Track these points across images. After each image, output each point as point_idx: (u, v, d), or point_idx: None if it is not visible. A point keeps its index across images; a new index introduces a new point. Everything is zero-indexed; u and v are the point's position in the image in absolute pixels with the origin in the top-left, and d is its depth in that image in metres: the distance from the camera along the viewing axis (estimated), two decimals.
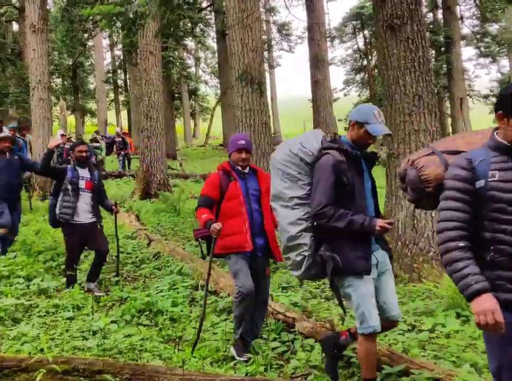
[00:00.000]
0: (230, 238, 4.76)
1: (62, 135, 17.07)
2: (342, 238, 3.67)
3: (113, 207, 7.30)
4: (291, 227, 3.76)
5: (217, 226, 4.57)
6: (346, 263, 3.61)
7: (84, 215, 6.93)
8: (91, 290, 6.80)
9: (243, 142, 4.95)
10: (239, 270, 4.79)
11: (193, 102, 47.07)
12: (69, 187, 6.87)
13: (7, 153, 8.43)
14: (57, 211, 6.87)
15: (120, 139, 22.51)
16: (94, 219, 7.06)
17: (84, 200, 6.96)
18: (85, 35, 33.06)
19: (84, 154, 7.18)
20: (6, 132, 11.16)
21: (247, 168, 5.01)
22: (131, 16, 10.16)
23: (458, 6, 25.63)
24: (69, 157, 11.79)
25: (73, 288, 6.60)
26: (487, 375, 4.10)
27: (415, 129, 7.16)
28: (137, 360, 4.44)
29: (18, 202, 8.74)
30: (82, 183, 6.98)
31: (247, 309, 4.76)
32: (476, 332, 5.00)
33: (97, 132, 21.80)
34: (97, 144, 19.53)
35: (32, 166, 8.81)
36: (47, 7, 20.56)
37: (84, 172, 7.08)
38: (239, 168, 4.93)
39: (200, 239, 5.16)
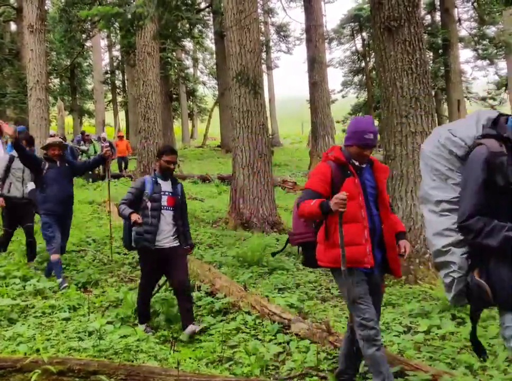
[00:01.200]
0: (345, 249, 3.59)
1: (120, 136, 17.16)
2: (501, 260, 2.78)
3: (189, 247, 5.95)
4: (437, 239, 3.00)
5: (342, 195, 3.42)
6: (504, 295, 2.76)
7: (165, 238, 5.56)
8: (193, 331, 5.34)
9: (371, 136, 3.81)
10: (361, 297, 3.73)
11: (191, 103, 47.01)
12: (149, 204, 5.51)
13: (58, 162, 7.40)
14: (133, 233, 5.57)
15: (107, 144, 20.98)
16: (176, 243, 5.66)
17: (166, 220, 5.61)
18: (84, 36, 33.02)
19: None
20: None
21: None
22: (129, 17, 10.17)
23: (456, 8, 25.65)
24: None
25: (148, 327, 5.61)
26: (483, 377, 4.12)
27: (412, 131, 7.17)
28: (132, 361, 4.44)
29: (69, 217, 7.66)
30: (164, 200, 5.62)
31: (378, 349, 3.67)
32: None
33: (83, 133, 20.73)
34: (84, 147, 18.89)
35: (85, 167, 8.28)
36: (46, 7, 20.58)
37: (167, 186, 5.69)
38: (356, 162, 3.89)
39: (299, 245, 4.17)
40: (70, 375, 3.51)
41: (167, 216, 5.58)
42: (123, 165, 21.56)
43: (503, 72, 30.26)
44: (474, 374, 4.18)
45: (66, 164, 7.55)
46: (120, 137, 22.28)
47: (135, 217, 5.26)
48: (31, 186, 7.95)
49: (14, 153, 7.88)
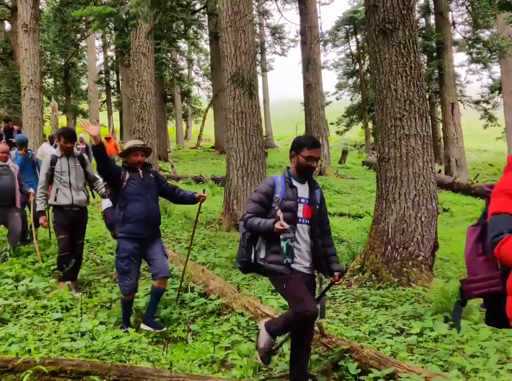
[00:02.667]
0: None
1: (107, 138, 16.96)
2: None
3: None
4: None
5: None
6: None
7: (302, 261, 4.13)
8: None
9: None
10: None
11: (186, 104, 47.00)
12: (281, 215, 3.93)
13: (140, 171, 5.77)
14: (261, 256, 4.08)
15: (84, 146, 19.34)
16: (309, 269, 4.20)
17: (303, 238, 4.13)
18: (78, 36, 33.00)
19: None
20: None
21: None
22: (123, 17, 10.14)
23: (450, 12, 25.79)
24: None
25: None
26: (475, 379, 4.13)
27: (406, 134, 7.19)
28: (125, 362, 4.42)
29: (158, 237, 5.97)
30: (300, 209, 4.13)
31: None
32: (464, 336, 5.03)
33: (51, 137, 19.21)
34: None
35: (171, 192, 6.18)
36: (40, 6, 20.56)
37: (303, 191, 4.18)
38: None
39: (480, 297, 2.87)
40: (62, 375, 3.50)
41: (303, 232, 4.13)
42: None
43: (497, 76, 30.49)
44: (467, 377, 4.19)
45: (151, 175, 5.93)
46: (107, 139, 21.29)
47: (279, 225, 3.83)
48: (106, 203, 7.05)
49: (56, 152, 7.00)
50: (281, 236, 3.92)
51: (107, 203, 7.13)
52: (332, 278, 4.19)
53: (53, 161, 6.93)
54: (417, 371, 4.04)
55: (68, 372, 3.50)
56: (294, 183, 4.13)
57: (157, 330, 5.52)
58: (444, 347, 4.83)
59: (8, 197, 8.22)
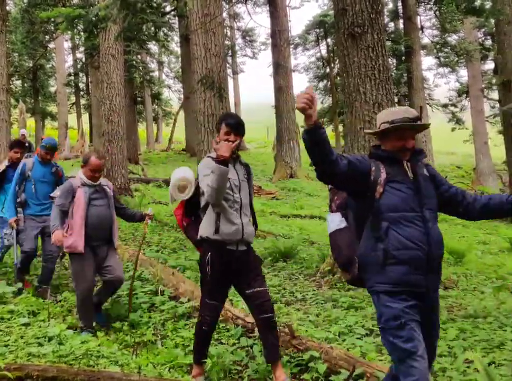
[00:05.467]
0: None
1: (23, 135, 16.47)
2: None
3: None
4: None
5: None
6: None
7: None
8: None
9: None
10: None
11: (156, 106, 46.77)
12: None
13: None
14: None
15: (26, 144, 18.22)
16: None
17: None
18: (47, 37, 32.63)
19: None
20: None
21: None
22: (92, 19, 10.03)
23: (418, 16, 26.10)
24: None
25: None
26: (442, 378, 4.18)
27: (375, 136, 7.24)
28: (93, 366, 4.36)
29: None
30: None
31: None
32: None
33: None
34: None
35: None
36: (7, 7, 20.21)
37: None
38: None
39: None
40: None
41: None
42: None
43: (464, 79, 30.99)
44: (434, 376, 4.23)
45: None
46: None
47: None
48: None
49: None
50: None
51: None
52: None
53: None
54: (386, 371, 4.07)
55: (34, 377, 3.44)
56: None
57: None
58: None
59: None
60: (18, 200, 6.82)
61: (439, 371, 4.33)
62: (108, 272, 5.75)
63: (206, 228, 4.20)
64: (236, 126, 4.25)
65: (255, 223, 4.52)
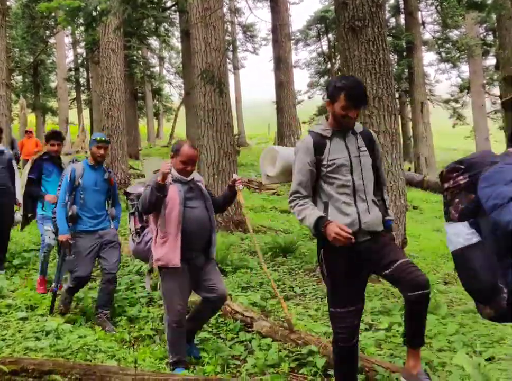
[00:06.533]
0: None
1: (28, 132, 16.26)
2: None
3: None
4: None
5: None
6: None
7: None
8: None
9: None
10: None
11: (157, 102, 46.71)
12: None
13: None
14: None
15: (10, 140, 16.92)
16: None
17: None
18: (47, 32, 32.54)
19: None
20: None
21: None
22: (93, 12, 9.97)
23: (420, 12, 26.07)
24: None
25: None
26: (442, 373, 4.16)
27: (375, 131, 7.19)
28: (90, 360, 4.34)
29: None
30: None
31: None
32: (432, 330, 5.07)
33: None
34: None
35: None
36: (8, 3, 20.17)
37: None
38: None
39: None
40: (23, 375, 3.41)
41: None
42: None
43: (465, 75, 30.92)
44: (434, 371, 4.21)
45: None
46: (29, 133, 16.30)
47: None
48: None
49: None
50: None
51: None
52: None
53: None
54: (385, 366, 4.06)
55: (30, 371, 3.41)
56: None
57: None
58: None
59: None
60: (70, 213, 5.72)
61: (438, 366, 4.31)
62: (210, 290, 4.67)
63: None
64: (360, 98, 3.46)
65: (384, 205, 3.64)
